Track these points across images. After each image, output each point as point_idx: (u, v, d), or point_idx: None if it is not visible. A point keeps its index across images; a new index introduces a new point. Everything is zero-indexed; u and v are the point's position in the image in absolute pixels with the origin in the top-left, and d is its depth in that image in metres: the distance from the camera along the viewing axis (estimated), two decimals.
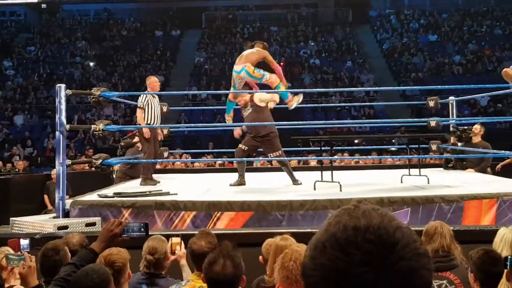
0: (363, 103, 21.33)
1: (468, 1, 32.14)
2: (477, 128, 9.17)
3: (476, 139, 9.15)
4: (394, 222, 0.93)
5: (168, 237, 4.05)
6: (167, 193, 6.67)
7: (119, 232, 2.86)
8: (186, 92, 21.32)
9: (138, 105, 8.08)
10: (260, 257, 3.83)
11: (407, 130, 18.41)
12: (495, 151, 8.80)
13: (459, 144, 9.30)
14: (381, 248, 0.89)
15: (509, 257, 3.29)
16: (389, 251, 0.89)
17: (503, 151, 8.88)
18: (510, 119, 15.88)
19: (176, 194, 6.62)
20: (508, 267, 3.27)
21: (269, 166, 11.84)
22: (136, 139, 9.39)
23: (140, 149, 9.28)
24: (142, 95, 8.18)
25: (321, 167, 7.45)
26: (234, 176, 9.16)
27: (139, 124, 8.17)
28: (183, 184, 8.34)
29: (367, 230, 0.90)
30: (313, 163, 11.79)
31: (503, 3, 31.63)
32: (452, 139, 9.48)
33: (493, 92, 10.78)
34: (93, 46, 28.91)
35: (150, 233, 3.37)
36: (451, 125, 9.76)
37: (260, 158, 10.76)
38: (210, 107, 21.06)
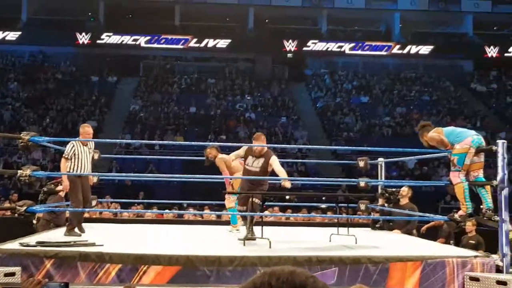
0: (296, 160, 21.59)
1: (398, 67, 33.51)
2: (404, 190, 9.42)
3: (404, 201, 9.39)
4: (308, 273, 1.04)
5: None
6: (93, 244, 6.48)
7: None
8: (119, 140, 21.06)
9: (64, 155, 7.85)
10: None
11: (336, 188, 18.68)
12: (421, 213, 9.02)
13: (387, 205, 9.51)
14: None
15: None
16: None
17: (428, 214, 9.12)
18: (435, 183, 16.40)
19: (102, 245, 6.44)
20: None
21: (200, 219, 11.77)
22: (60, 187, 9.11)
23: (63, 196, 9.12)
24: (69, 144, 7.94)
25: (251, 223, 7.44)
26: (163, 228, 9.03)
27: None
28: (110, 235, 8.13)
29: (281, 274, 1.03)
30: None
31: (431, 70, 33.16)
32: (381, 201, 9.69)
33: (420, 156, 11.13)
34: (25, 88, 28.32)
35: (72, 286, 3.26)
36: (379, 186, 9.98)
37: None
38: (142, 156, 20.85)
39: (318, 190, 19.45)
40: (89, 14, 33.88)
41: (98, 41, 31.75)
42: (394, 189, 9.52)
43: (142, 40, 31.86)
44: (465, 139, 6.90)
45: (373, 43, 32.77)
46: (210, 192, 14.21)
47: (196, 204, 14.82)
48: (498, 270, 6.26)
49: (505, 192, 6.51)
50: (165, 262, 5.89)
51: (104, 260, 5.86)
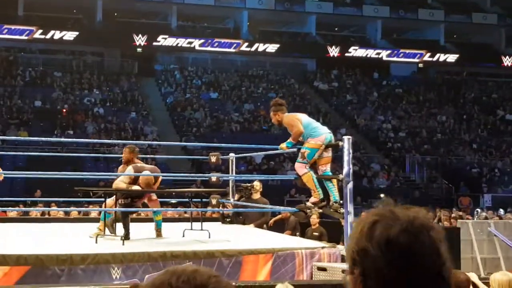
0: (146, 155, 21.37)
1: (246, 64, 34.27)
2: (257, 185, 9.63)
3: (256, 195, 9.61)
4: (212, 272, 1.06)
5: None
6: None
7: None
8: None
9: None
10: None
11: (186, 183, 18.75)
12: (272, 206, 9.35)
13: (241, 199, 9.73)
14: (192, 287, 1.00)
15: None
16: None
17: (278, 206, 9.49)
18: (283, 177, 17.06)
19: None
20: None
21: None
22: None
23: None
24: None
25: (105, 219, 7.32)
26: (9, 227, 8.60)
27: None
28: None
29: (183, 273, 1.02)
30: (94, 214, 11.51)
31: (277, 68, 34.31)
32: (237, 196, 9.87)
33: (267, 151, 11.54)
34: None
35: None
36: (230, 181, 10.17)
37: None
38: None
39: (169, 186, 19.42)
40: None
41: None
42: (248, 184, 9.75)
43: None
44: (320, 136, 7.11)
45: (222, 40, 33.24)
46: (56, 188, 13.77)
47: (42, 201, 14.24)
48: (343, 259, 6.66)
49: (350, 185, 6.85)
50: (12, 262, 5.64)
51: None
